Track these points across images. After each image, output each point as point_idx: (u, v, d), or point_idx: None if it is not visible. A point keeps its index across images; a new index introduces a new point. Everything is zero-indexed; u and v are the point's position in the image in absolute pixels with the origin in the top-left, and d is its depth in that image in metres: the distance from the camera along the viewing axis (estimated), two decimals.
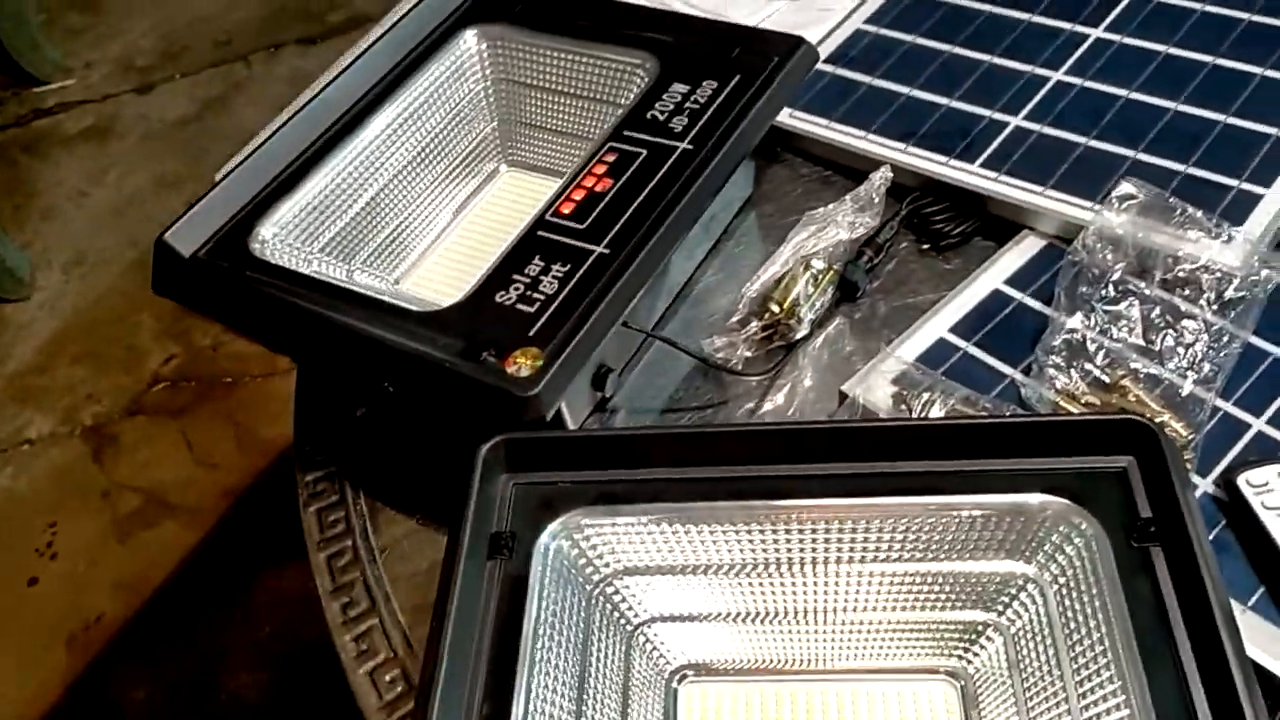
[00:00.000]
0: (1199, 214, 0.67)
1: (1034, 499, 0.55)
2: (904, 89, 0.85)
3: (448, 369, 0.63)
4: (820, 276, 0.74)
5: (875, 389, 0.68)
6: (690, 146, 0.72)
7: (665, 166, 0.71)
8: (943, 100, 0.83)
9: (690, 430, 0.66)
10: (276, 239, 0.74)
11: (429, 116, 0.84)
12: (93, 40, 2.69)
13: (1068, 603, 0.54)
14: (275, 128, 0.78)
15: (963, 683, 0.57)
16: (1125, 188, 0.68)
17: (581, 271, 0.67)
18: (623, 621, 0.58)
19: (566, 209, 0.71)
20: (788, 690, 0.58)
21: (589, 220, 0.69)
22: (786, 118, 0.86)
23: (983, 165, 0.78)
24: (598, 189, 0.71)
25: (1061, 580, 0.54)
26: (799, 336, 0.74)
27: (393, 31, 0.84)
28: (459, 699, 0.50)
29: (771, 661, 0.59)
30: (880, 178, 0.72)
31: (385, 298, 0.68)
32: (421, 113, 0.84)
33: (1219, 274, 0.65)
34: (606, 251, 0.67)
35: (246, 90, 2.44)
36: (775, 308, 0.73)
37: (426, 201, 0.84)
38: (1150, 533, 0.52)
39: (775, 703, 0.58)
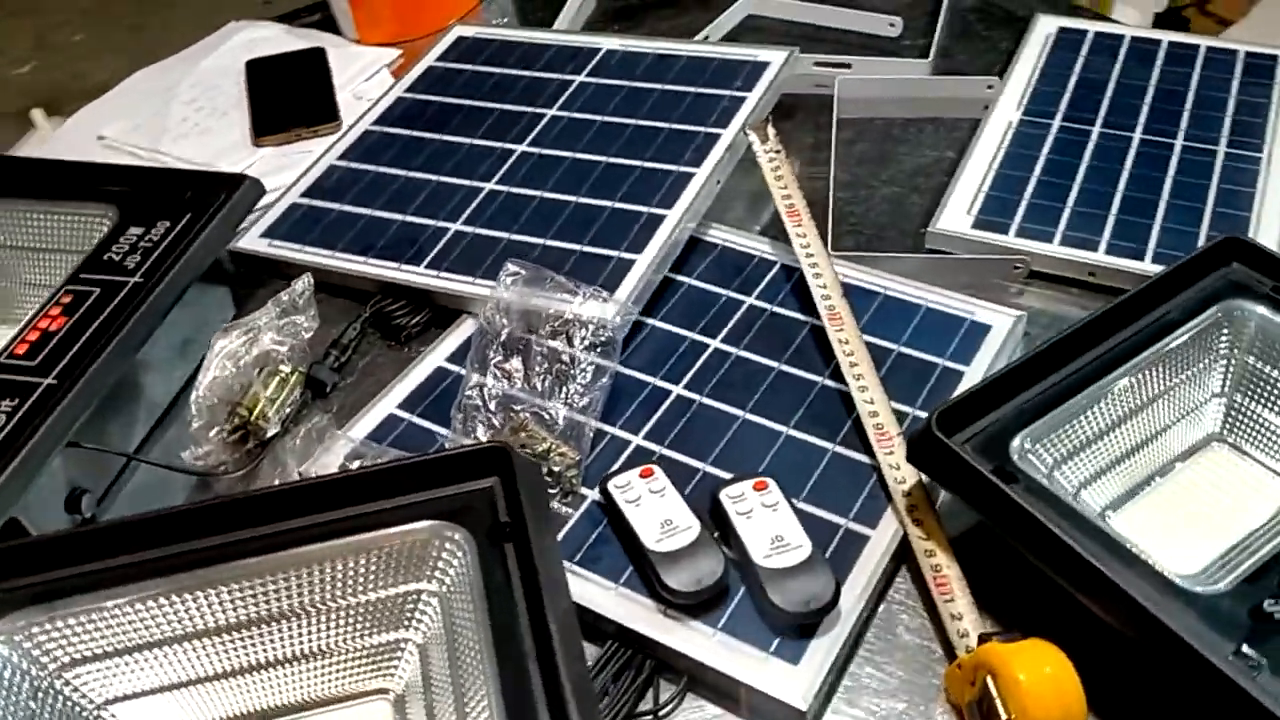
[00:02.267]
0: (568, 281, 0.81)
1: (422, 525, 0.65)
2: (366, 211, 0.97)
3: None
4: (288, 378, 0.83)
5: (329, 467, 0.77)
6: (141, 279, 0.80)
7: (115, 300, 0.79)
8: (397, 216, 0.96)
9: (114, 524, 0.71)
10: None
11: None
12: None
13: (456, 607, 0.64)
14: None
15: (393, 697, 0.65)
16: (510, 267, 0.82)
17: (29, 404, 0.72)
18: (79, 708, 0.63)
19: (20, 350, 0.76)
20: None
21: (40, 356, 0.75)
22: (266, 247, 0.96)
23: (427, 266, 0.91)
24: (52, 328, 0.78)
25: (450, 589, 0.64)
26: (270, 435, 0.82)
27: None
28: None
29: (238, 716, 0.65)
30: (303, 283, 0.83)
31: None
32: None
33: (591, 324, 0.79)
34: (54, 382, 0.74)
35: None
36: (244, 412, 0.81)
37: None
38: (504, 533, 0.63)
39: None
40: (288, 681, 0.66)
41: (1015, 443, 0.68)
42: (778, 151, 0.93)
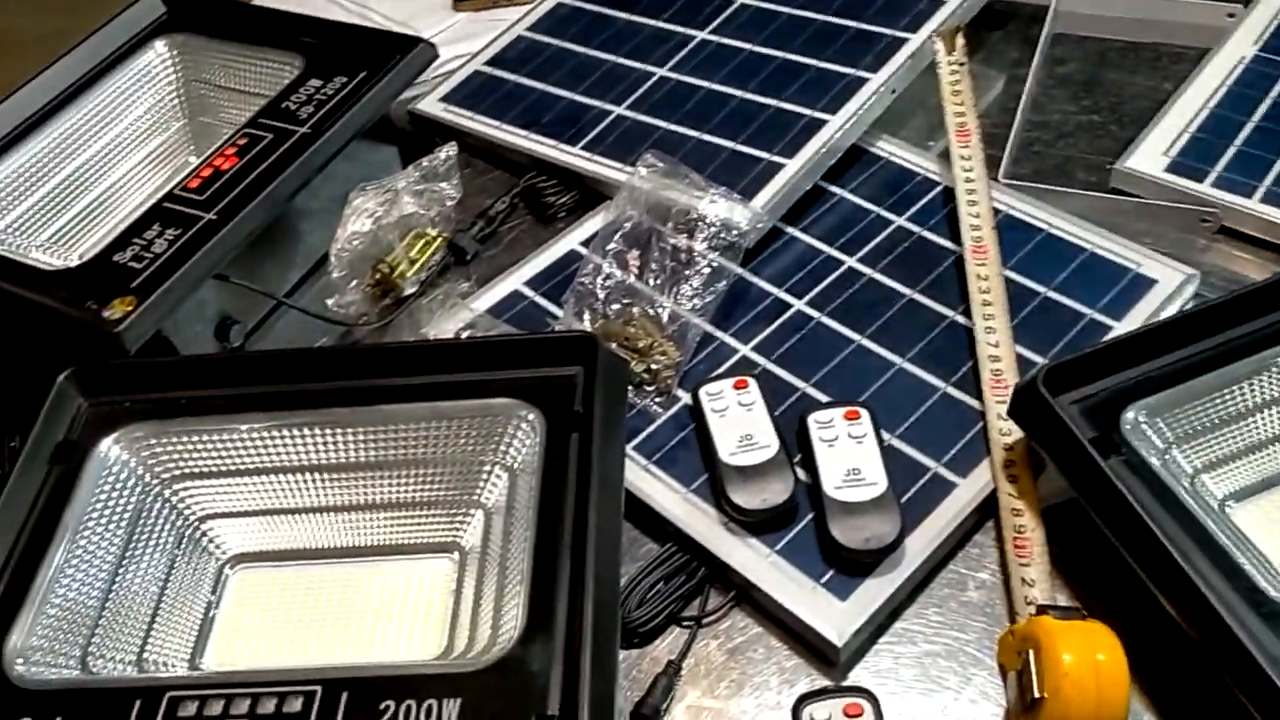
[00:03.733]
0: (703, 180, 0.79)
1: (501, 401, 0.67)
2: (540, 85, 0.98)
3: (60, 315, 0.75)
4: (431, 242, 0.86)
5: (446, 332, 0.80)
6: (309, 130, 0.84)
7: (283, 148, 0.83)
8: (568, 94, 0.96)
9: (237, 355, 0.77)
10: None
11: (122, 114, 0.96)
12: None
13: (520, 483, 0.66)
14: None
15: (456, 555, 0.68)
16: (649, 158, 0.81)
17: (189, 235, 0.78)
18: (180, 519, 0.69)
19: (194, 184, 0.82)
20: (324, 571, 0.69)
21: (209, 193, 0.81)
22: (441, 111, 0.99)
23: (583, 147, 0.91)
24: (224, 167, 0.83)
25: (516, 465, 0.66)
26: (407, 293, 0.85)
27: (89, 40, 0.96)
28: None
29: (312, 548, 0.70)
30: (446, 152, 0.84)
31: (27, 262, 0.80)
32: (113, 111, 0.95)
33: (717, 225, 0.77)
34: (215, 218, 0.79)
35: None
36: (385, 269, 0.85)
37: (120, 189, 0.96)
38: (573, 423, 0.64)
39: (312, 582, 0.69)
40: (368, 525, 0.70)
41: (1129, 413, 0.62)
42: (961, 64, 0.87)
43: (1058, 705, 0.54)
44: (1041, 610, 0.58)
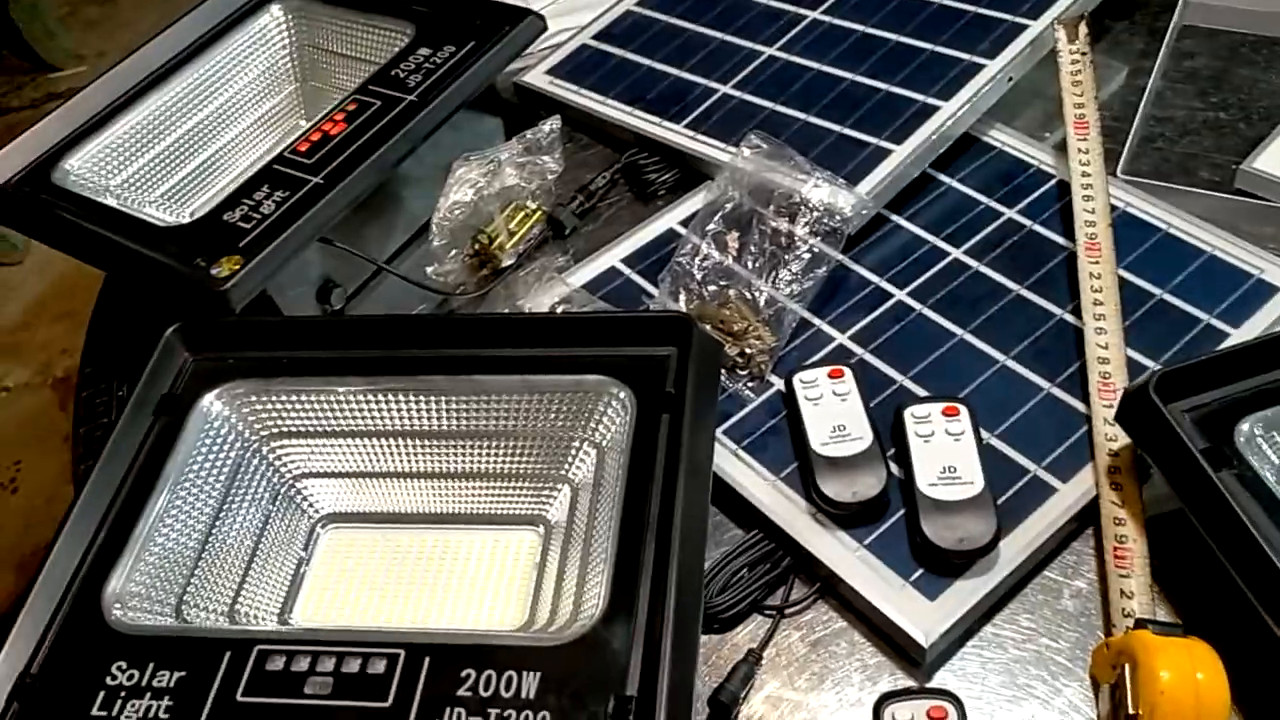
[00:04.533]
0: (807, 163, 0.78)
1: (593, 378, 0.67)
2: (646, 61, 0.97)
3: (170, 270, 0.76)
4: (530, 214, 0.87)
5: (542, 306, 0.80)
6: (416, 99, 0.85)
7: (390, 115, 0.84)
8: (674, 71, 0.95)
9: (338, 320, 0.78)
10: (77, 171, 0.88)
11: (237, 76, 0.98)
12: (106, 31, 2.89)
13: (609, 461, 0.65)
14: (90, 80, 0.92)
15: (541, 528, 0.69)
16: (753, 138, 0.80)
17: (296, 198, 0.79)
18: (276, 476, 0.71)
19: (302, 147, 0.83)
20: (412, 536, 0.70)
21: (317, 157, 0.82)
22: (546, 84, 0.99)
23: (687, 125, 0.90)
24: (332, 132, 0.84)
25: (605, 442, 0.66)
26: (506, 265, 0.86)
27: (208, 2, 0.98)
28: (90, 524, 0.63)
29: (401, 512, 0.71)
30: (550, 125, 0.84)
31: (141, 217, 0.82)
32: (228, 72, 0.97)
33: (819, 209, 0.76)
34: (322, 182, 0.80)
35: None
36: (484, 239, 0.85)
37: (232, 150, 0.98)
38: (664, 403, 0.64)
39: (399, 545, 0.70)
40: (456, 493, 0.71)
41: (1244, 425, 0.59)
42: (1083, 54, 0.84)
43: None
44: (1140, 624, 0.56)
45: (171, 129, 0.95)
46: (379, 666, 0.55)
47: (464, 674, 0.54)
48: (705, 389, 0.64)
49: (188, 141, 0.96)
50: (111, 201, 0.88)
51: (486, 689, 0.54)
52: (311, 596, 0.68)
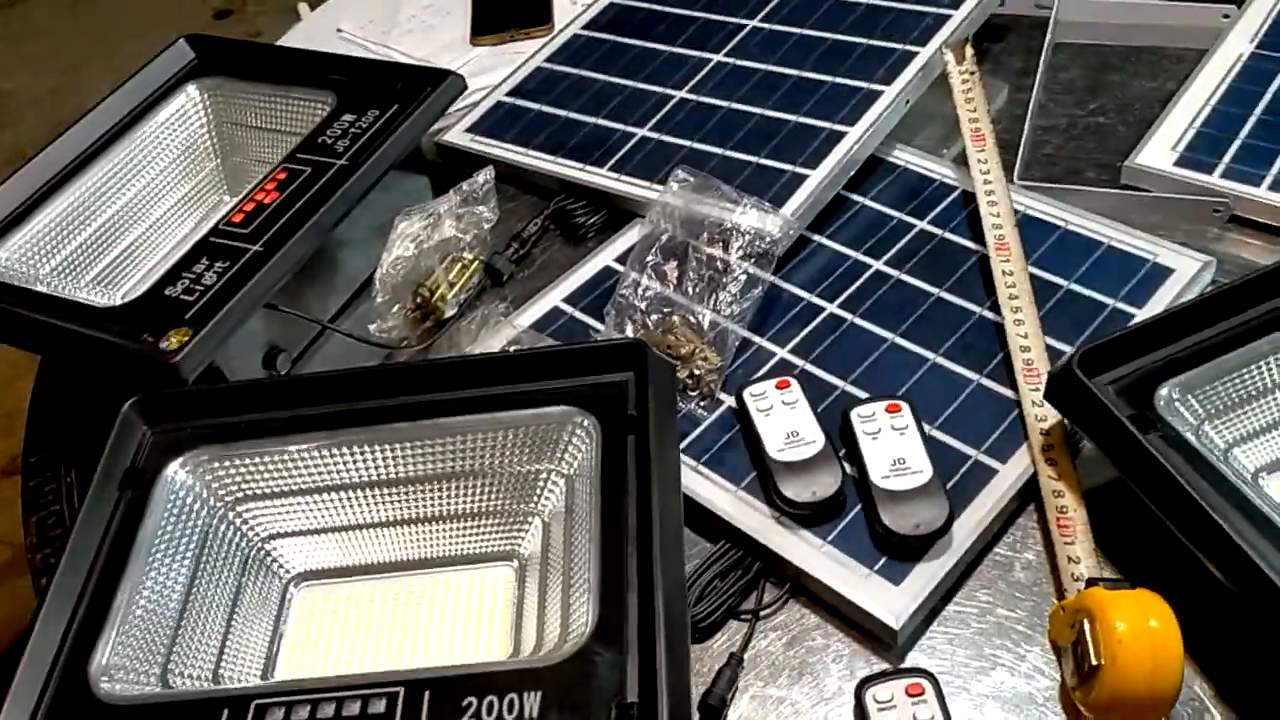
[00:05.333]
0: (734, 191, 0.82)
1: (560, 409, 0.69)
2: (563, 112, 1.01)
3: (117, 349, 0.77)
4: (468, 265, 0.89)
5: (492, 349, 0.82)
6: (346, 162, 0.87)
7: (322, 180, 0.86)
8: (590, 119, 0.99)
9: (294, 378, 0.80)
10: (4, 263, 0.89)
11: (157, 158, 0.99)
12: None
13: (579, 489, 0.68)
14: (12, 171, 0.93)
15: (516, 562, 0.70)
16: (679, 173, 0.84)
17: (238, 266, 0.81)
18: (244, 539, 0.71)
19: (237, 219, 0.85)
20: (386, 585, 0.71)
21: (253, 226, 0.84)
22: (468, 141, 1.02)
23: (610, 168, 0.94)
24: (265, 200, 0.86)
25: (576, 471, 0.69)
26: (448, 315, 0.88)
27: (123, 88, 0.99)
28: (68, 601, 0.63)
29: (374, 562, 0.72)
30: (484, 176, 0.87)
31: (79, 300, 0.83)
32: (148, 155, 0.98)
33: (750, 234, 0.80)
34: (261, 249, 0.82)
35: None
36: (426, 292, 0.87)
37: (158, 230, 0.99)
38: (628, 426, 0.66)
39: (375, 595, 0.71)
40: (427, 538, 0.72)
41: (1163, 391, 0.65)
42: (972, 73, 0.90)
43: (1114, 672, 0.56)
44: (1091, 583, 0.60)
45: (96, 215, 0.96)
46: (380, 706, 0.56)
47: (465, 703, 0.56)
48: (665, 408, 0.67)
49: (113, 225, 0.96)
50: (43, 289, 0.88)
51: (490, 713, 0.55)
52: (292, 655, 0.69)
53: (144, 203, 0.98)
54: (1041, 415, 0.70)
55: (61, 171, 0.95)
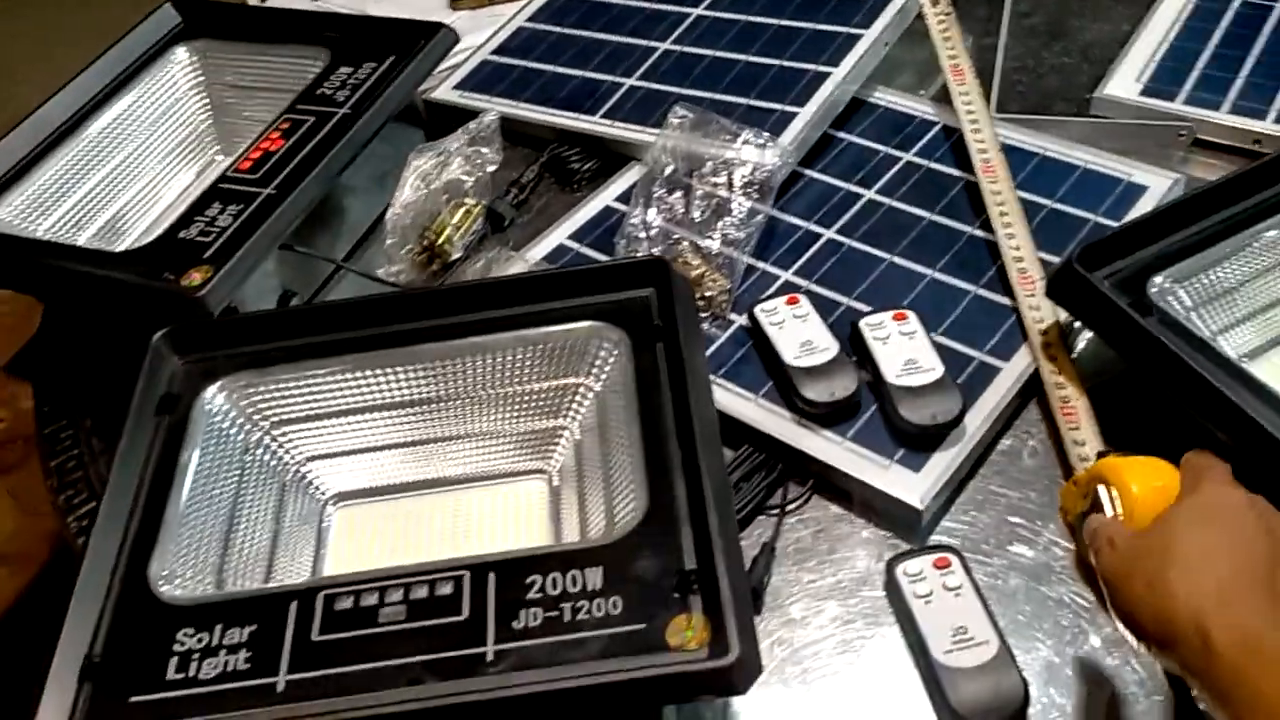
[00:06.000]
0: (732, 125, 0.86)
1: (585, 324, 0.72)
2: (549, 67, 1.04)
3: (141, 288, 0.78)
4: (472, 209, 0.91)
5: None
6: (349, 111, 0.89)
7: (327, 127, 0.88)
8: (578, 72, 1.02)
9: (320, 305, 0.82)
10: (2, 220, 0.89)
11: (147, 119, 1.00)
12: None
13: (610, 402, 0.70)
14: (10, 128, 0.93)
15: (549, 477, 0.73)
16: (679, 110, 0.87)
17: (252, 208, 0.82)
18: (281, 461, 0.73)
19: (245, 166, 0.86)
20: (423, 503, 0.73)
21: (262, 171, 0.85)
22: (457, 97, 1.04)
23: (603, 116, 0.97)
24: (272, 148, 0.87)
25: (606, 384, 0.71)
26: (454, 258, 0.90)
27: (108, 54, 1.00)
28: (120, 520, 0.64)
29: (410, 482, 0.74)
30: (490, 117, 0.90)
31: (92, 247, 0.83)
32: (139, 116, 0.99)
33: (749, 164, 0.84)
34: (274, 192, 0.83)
35: None
36: (432, 236, 0.89)
37: (154, 188, 0.99)
38: (657, 335, 0.69)
39: (411, 513, 0.73)
40: (459, 456, 0.74)
41: (1156, 280, 0.69)
42: (948, 14, 0.95)
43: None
44: (1101, 455, 0.64)
45: (88, 176, 0.96)
46: (447, 588, 0.58)
47: (530, 580, 0.58)
48: (690, 318, 0.70)
49: (108, 185, 0.97)
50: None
51: (554, 588, 0.57)
52: (337, 567, 0.70)
53: (135, 164, 0.99)
54: (1039, 316, 0.75)
55: (49, 136, 0.95)
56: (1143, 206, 0.82)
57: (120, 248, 0.93)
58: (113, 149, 0.98)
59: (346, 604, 0.58)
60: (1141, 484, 0.61)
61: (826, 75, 0.93)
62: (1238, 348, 0.71)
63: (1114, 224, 0.82)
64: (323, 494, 0.73)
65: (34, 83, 1.07)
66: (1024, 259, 0.78)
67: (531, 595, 0.57)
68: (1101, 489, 0.62)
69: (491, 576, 0.58)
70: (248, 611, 0.59)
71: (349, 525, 0.73)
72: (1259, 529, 0.50)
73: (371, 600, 0.58)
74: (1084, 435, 0.69)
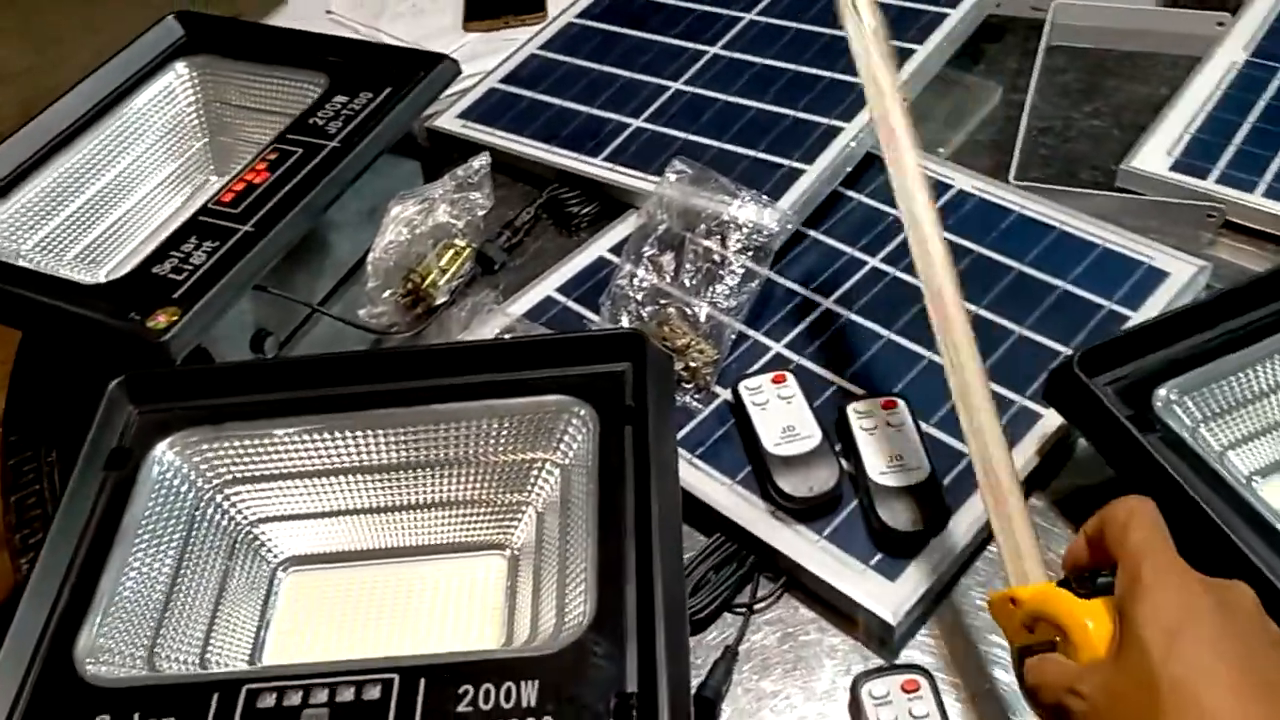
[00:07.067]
0: (731, 184, 0.82)
1: (556, 398, 0.69)
2: (557, 100, 1.00)
3: (104, 327, 0.75)
4: (460, 252, 0.88)
5: (485, 336, 0.81)
6: (339, 145, 0.86)
7: (314, 161, 0.85)
8: (584, 108, 0.98)
9: (284, 360, 0.79)
10: None
11: (143, 135, 0.97)
12: None
13: (574, 479, 0.67)
14: None
15: (508, 553, 0.70)
16: (677, 164, 0.83)
17: (227, 246, 0.79)
18: (233, 521, 0.70)
19: (227, 198, 0.83)
20: (378, 573, 0.70)
21: (243, 206, 0.82)
22: (460, 127, 1.01)
23: (605, 158, 0.93)
24: (256, 181, 0.84)
25: (572, 461, 0.68)
26: (439, 302, 0.87)
27: (109, 64, 0.98)
28: (53, 583, 0.61)
29: (366, 549, 0.71)
30: (480, 163, 0.86)
31: (63, 276, 0.81)
32: (134, 132, 0.97)
33: (747, 228, 0.79)
34: (251, 230, 0.80)
35: None
36: (417, 278, 0.86)
37: (142, 208, 0.97)
38: (626, 417, 0.66)
39: (364, 582, 0.70)
40: (418, 525, 0.71)
41: (1161, 392, 0.65)
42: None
43: None
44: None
45: (79, 192, 0.94)
46: (374, 693, 0.55)
47: (462, 690, 0.55)
48: (663, 399, 0.67)
49: (97, 203, 0.95)
50: (25, 265, 0.86)
51: (487, 702, 0.54)
52: (280, 641, 0.67)
53: (128, 181, 0.97)
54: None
55: (45, 147, 0.93)
56: (1162, 295, 0.77)
57: (100, 273, 0.92)
58: (105, 165, 0.95)
59: (269, 702, 0.56)
60: (1097, 619, 0.56)
61: (839, 131, 0.88)
62: (1248, 466, 0.66)
63: (1129, 313, 0.77)
64: (275, 557, 0.71)
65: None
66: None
67: (461, 709, 0.54)
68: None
69: (422, 683, 0.55)
70: (169, 700, 0.56)
71: (298, 592, 0.70)
72: (1229, 621, 0.46)
73: (295, 700, 0.56)
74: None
